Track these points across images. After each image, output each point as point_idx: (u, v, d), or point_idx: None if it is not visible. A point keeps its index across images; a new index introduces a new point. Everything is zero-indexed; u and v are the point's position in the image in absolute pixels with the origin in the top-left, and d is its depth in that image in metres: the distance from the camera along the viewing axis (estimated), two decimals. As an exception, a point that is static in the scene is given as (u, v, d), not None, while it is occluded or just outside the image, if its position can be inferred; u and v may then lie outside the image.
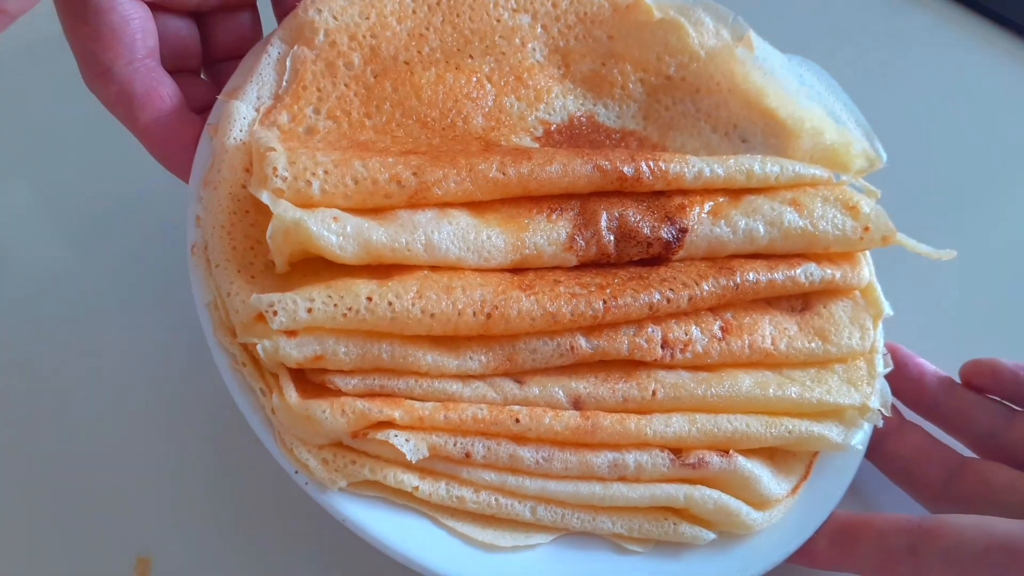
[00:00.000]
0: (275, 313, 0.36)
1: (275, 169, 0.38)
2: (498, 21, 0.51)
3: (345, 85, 0.46)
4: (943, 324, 0.57)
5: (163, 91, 0.43)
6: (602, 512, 0.41)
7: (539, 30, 0.52)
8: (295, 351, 0.37)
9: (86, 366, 0.53)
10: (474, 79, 0.49)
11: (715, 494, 0.42)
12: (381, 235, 0.39)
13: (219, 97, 0.43)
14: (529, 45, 0.51)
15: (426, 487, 0.39)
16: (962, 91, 0.71)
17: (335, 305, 0.37)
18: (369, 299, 0.38)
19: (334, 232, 0.38)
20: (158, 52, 0.43)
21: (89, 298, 0.56)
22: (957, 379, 0.50)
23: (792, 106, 0.53)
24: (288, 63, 0.45)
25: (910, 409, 0.51)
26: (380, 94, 0.46)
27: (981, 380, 0.48)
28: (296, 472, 0.38)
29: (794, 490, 0.45)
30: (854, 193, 0.50)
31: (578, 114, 0.52)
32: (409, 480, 0.38)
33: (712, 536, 0.42)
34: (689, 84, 0.53)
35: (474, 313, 0.39)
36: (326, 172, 0.39)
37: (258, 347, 0.36)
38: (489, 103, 0.49)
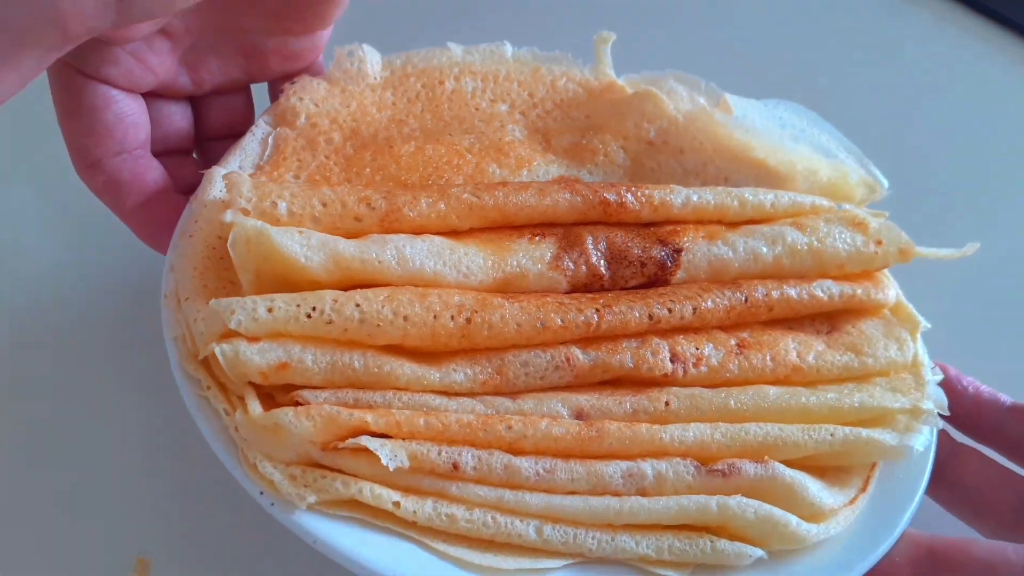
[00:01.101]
0: (233, 312, 0.34)
1: (239, 192, 0.38)
2: (477, 108, 0.53)
3: (325, 156, 0.47)
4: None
5: (149, 176, 0.45)
6: (622, 531, 0.35)
7: (517, 115, 0.54)
8: (257, 356, 0.34)
9: (86, 365, 0.53)
10: (454, 149, 0.50)
11: (755, 503, 0.36)
12: (349, 247, 0.38)
13: (204, 172, 0.45)
14: (508, 127, 0.53)
15: (409, 504, 0.34)
16: (962, 91, 0.71)
17: (298, 306, 0.35)
18: (335, 300, 0.36)
19: (298, 242, 0.37)
20: (149, 143, 0.46)
21: (89, 299, 0.56)
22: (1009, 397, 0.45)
23: (780, 153, 0.52)
24: (270, 141, 0.47)
25: (966, 435, 0.45)
26: (360, 162, 0.47)
27: None
28: (261, 493, 0.34)
29: (852, 501, 0.38)
30: (858, 211, 0.48)
31: (562, 177, 0.52)
32: (389, 495, 0.34)
33: (760, 552, 0.35)
34: (672, 146, 0.53)
35: (452, 317, 0.37)
36: (292, 195, 0.39)
37: (216, 350, 0.34)
38: (470, 170, 0.49)
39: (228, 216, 0.37)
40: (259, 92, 0.51)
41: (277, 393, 0.36)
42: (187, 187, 0.46)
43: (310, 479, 0.34)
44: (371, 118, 0.50)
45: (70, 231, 0.61)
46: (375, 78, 0.52)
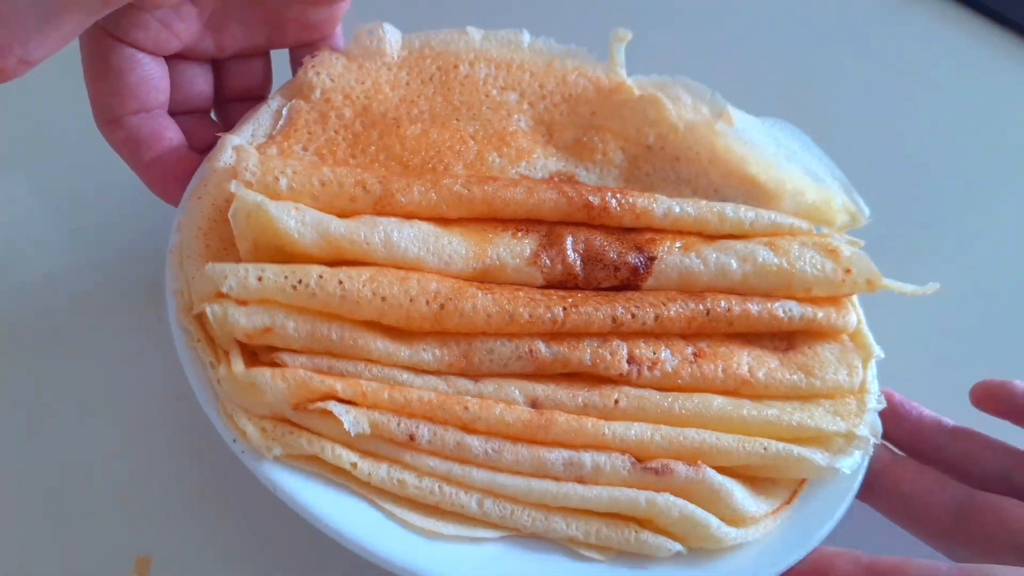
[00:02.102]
0: (226, 278, 0.38)
1: (246, 165, 0.41)
2: (487, 96, 0.56)
3: (335, 131, 0.50)
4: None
5: (166, 134, 0.47)
6: (555, 512, 0.39)
7: (525, 106, 0.56)
8: (244, 319, 0.38)
9: (85, 366, 0.53)
10: (458, 135, 0.53)
11: (680, 502, 0.39)
12: (340, 227, 0.41)
13: (218, 135, 0.48)
14: (515, 116, 0.56)
15: (365, 466, 0.38)
16: (962, 91, 0.71)
17: (285, 277, 0.38)
18: (320, 276, 0.39)
19: (294, 217, 0.40)
20: (167, 103, 0.49)
21: (89, 298, 0.56)
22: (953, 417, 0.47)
23: (772, 170, 0.54)
24: (284, 112, 0.50)
25: (909, 456, 0.47)
26: (366, 139, 0.50)
27: (994, 404, 0.45)
28: (235, 440, 0.37)
29: (775, 512, 0.41)
30: (834, 239, 0.50)
31: (559, 172, 0.54)
32: (348, 456, 0.37)
33: (678, 547, 0.39)
34: (668, 153, 0.55)
35: (427, 302, 0.40)
36: (294, 172, 0.42)
37: (207, 310, 0.37)
38: (471, 157, 0.52)
39: (232, 186, 0.40)
40: (278, 60, 0.54)
41: (260, 352, 0.40)
42: (203, 146, 0.49)
43: (278, 434, 0.37)
44: (383, 96, 0.53)
45: (65, 219, 0.60)
46: (393, 57, 0.55)
